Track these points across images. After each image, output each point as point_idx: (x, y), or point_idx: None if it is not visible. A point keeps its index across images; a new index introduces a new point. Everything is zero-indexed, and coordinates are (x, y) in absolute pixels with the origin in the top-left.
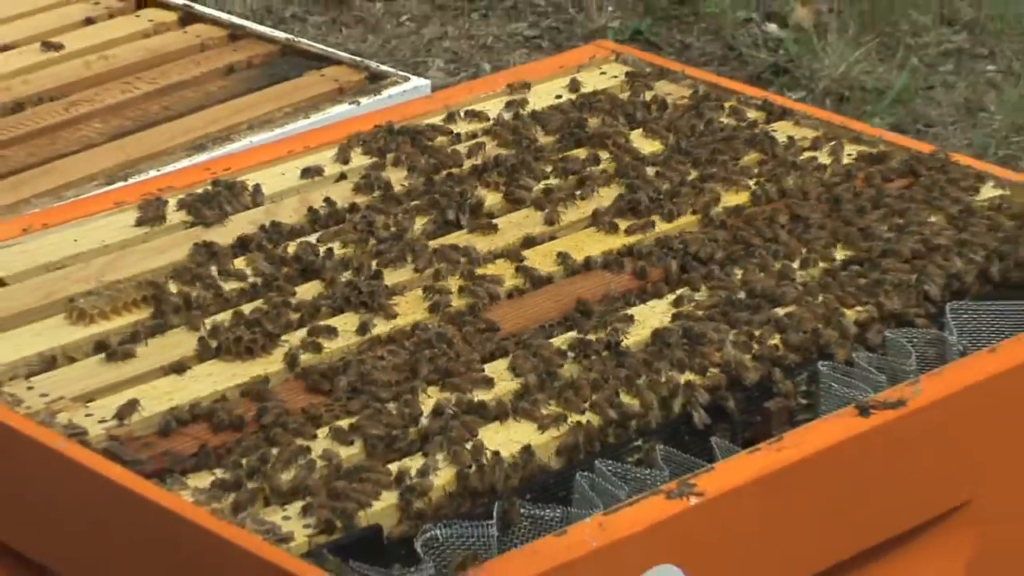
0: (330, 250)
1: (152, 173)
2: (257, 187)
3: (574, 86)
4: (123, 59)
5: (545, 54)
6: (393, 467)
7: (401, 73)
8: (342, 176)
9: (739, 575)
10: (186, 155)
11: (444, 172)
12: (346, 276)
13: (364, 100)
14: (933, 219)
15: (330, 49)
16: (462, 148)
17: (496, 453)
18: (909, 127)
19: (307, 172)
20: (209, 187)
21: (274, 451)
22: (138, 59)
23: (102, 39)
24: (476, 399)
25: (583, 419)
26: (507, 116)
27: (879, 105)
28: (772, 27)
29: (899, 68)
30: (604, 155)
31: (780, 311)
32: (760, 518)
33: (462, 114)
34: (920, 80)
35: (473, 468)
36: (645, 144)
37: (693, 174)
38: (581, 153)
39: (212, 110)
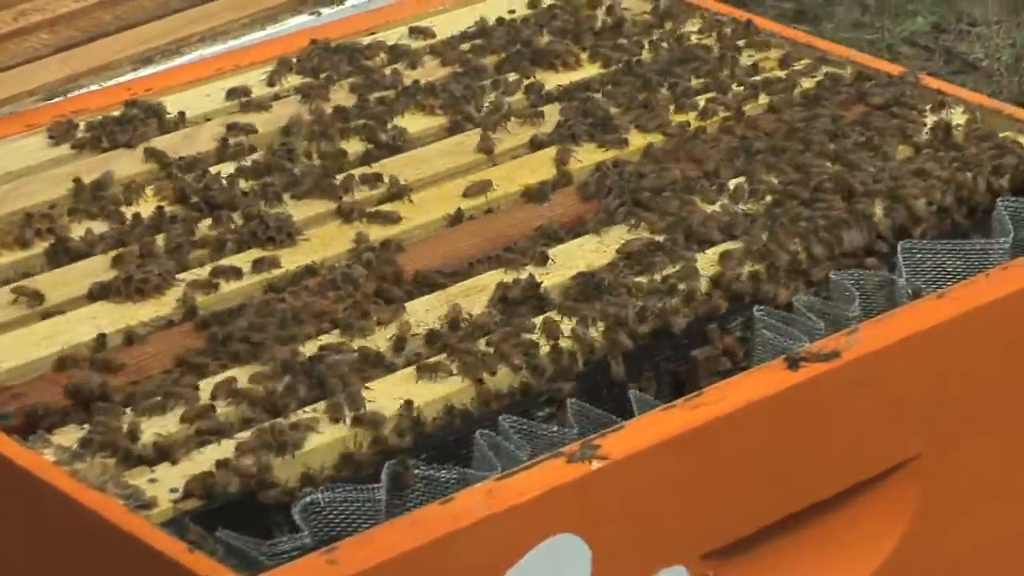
0: (242, 180)
1: (95, 88)
2: (177, 110)
3: (531, 1)
4: None
5: None
6: (276, 424)
7: None
8: (269, 99)
9: (649, 545)
10: (132, 69)
11: (377, 95)
12: (258, 208)
13: (326, 11)
14: (893, 149)
15: None
16: (401, 68)
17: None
18: (952, 26)
19: (232, 94)
20: (124, 109)
21: (147, 405)
22: None
23: None
24: (374, 349)
25: (489, 371)
26: (452, 34)
27: (922, 3)
28: None
29: None
30: (550, 77)
31: (717, 250)
32: (673, 482)
33: (406, 32)
34: None
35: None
36: (595, 66)
37: (642, 97)
38: (525, 75)
39: (166, 21)
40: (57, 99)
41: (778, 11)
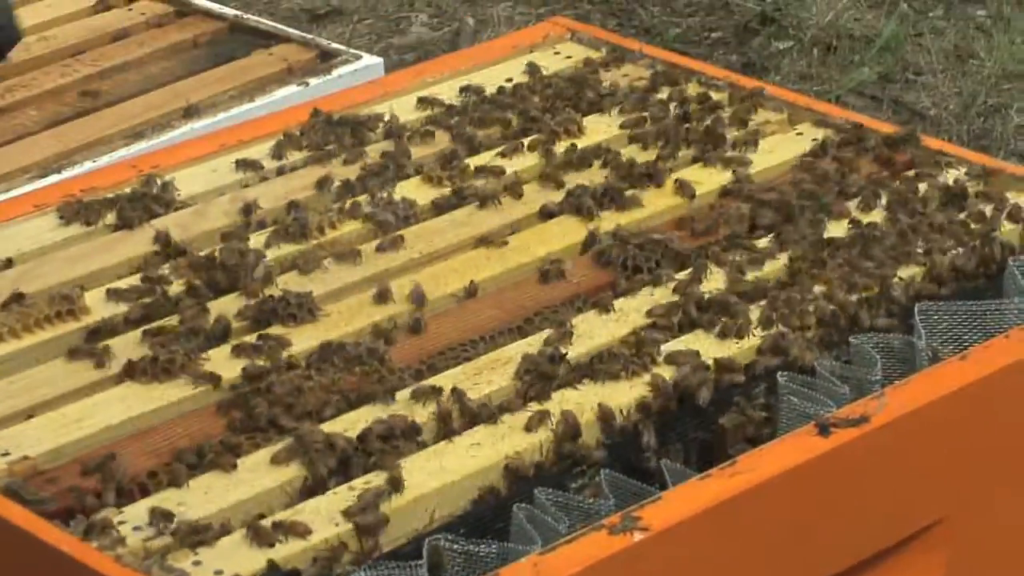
0: (258, 255)
1: (88, 165)
2: (186, 186)
3: (530, 69)
4: (64, 39)
5: (529, 6)
6: (315, 505)
7: (353, 51)
8: (276, 172)
9: None
10: (124, 144)
11: (385, 166)
12: (276, 283)
13: (313, 81)
14: (900, 215)
15: (279, 26)
16: (405, 140)
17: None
18: (898, 76)
19: (240, 166)
20: (134, 187)
21: (189, 487)
22: (80, 39)
23: (45, 18)
24: (404, 425)
25: (520, 446)
26: (455, 104)
27: (867, 54)
28: None
29: (888, 15)
30: (554, 145)
31: (736, 320)
32: (713, 551)
33: (411, 101)
34: (909, 27)
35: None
36: (599, 132)
37: (642, 163)
38: (530, 143)
39: (153, 95)
40: (53, 177)
41: (725, 63)
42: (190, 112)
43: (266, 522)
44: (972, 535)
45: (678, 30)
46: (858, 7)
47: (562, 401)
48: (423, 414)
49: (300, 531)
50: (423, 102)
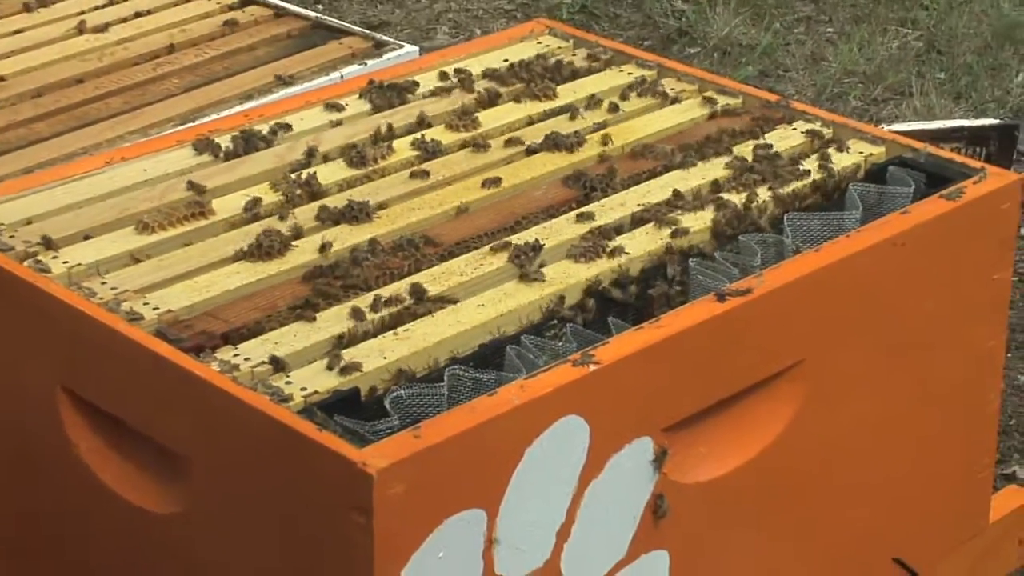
0: (331, 175)
1: (213, 117)
2: (284, 129)
3: (521, 54)
4: (196, 32)
5: (518, 22)
6: (368, 345)
7: (398, 42)
8: (344, 121)
9: (627, 422)
10: (239, 102)
11: (422, 119)
12: (343, 196)
13: (370, 62)
14: (775, 153)
15: (348, 24)
16: (444, 100)
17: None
18: (772, 72)
19: (325, 112)
20: (247, 129)
21: (282, 331)
22: (207, 32)
23: (183, 16)
24: (430, 291)
25: (512, 306)
26: (468, 75)
27: (751, 57)
28: (678, 1)
29: (765, 30)
30: (538, 104)
31: (667, 219)
32: (644, 379)
33: (437, 74)
34: (780, 39)
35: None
36: (568, 96)
37: (593, 119)
38: (520, 102)
39: (259, 70)
40: (189, 124)
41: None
42: (283, 82)
43: (335, 356)
44: (823, 373)
45: (621, 39)
46: (745, 24)
47: (541, 276)
48: (444, 285)
49: (359, 367)
50: (446, 75)
